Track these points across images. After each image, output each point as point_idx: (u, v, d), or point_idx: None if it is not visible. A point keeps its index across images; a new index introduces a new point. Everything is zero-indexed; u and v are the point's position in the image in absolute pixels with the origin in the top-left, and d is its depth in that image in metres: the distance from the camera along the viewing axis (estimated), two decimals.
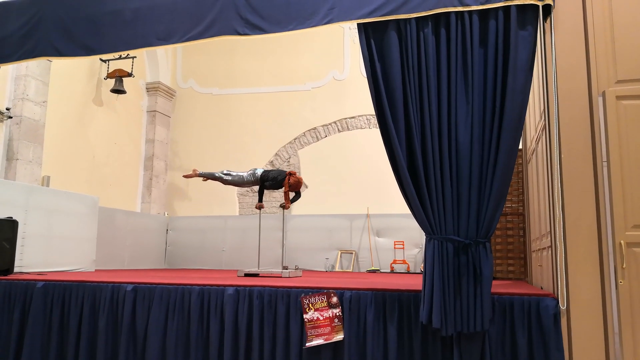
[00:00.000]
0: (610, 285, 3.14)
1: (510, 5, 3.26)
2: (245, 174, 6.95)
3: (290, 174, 6.61)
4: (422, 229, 3.35)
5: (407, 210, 3.47)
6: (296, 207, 10.25)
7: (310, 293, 3.68)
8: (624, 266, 3.09)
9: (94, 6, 4.19)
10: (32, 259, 6.41)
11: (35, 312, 4.28)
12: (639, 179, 3.15)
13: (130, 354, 4.00)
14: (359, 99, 10.00)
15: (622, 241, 3.12)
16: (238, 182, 7.02)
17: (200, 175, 7.24)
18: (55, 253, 6.85)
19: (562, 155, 3.29)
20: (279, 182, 6.66)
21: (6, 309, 4.42)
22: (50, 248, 6.79)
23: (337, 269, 9.49)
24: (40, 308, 4.30)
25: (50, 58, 4.36)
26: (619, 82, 3.28)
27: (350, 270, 9.37)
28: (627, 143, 3.19)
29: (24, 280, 4.51)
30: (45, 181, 7.99)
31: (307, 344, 3.58)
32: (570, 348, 3.13)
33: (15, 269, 5.75)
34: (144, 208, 10.60)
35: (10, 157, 7.44)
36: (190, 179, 7.60)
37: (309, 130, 10.70)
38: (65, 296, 4.29)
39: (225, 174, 7.07)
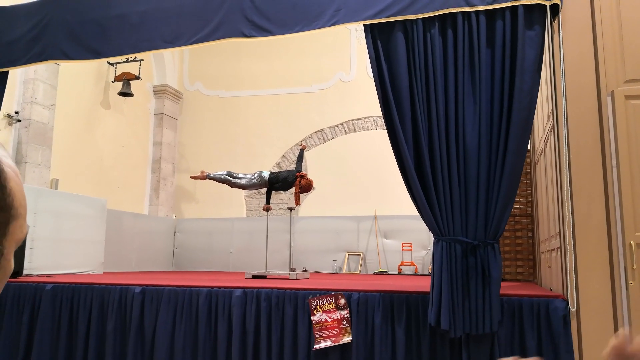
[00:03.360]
0: (621, 287, 3.11)
1: (517, 5, 3.24)
2: (251, 177, 6.95)
3: (302, 176, 6.61)
4: (430, 230, 3.34)
5: (415, 212, 3.46)
6: (303, 209, 10.25)
7: (317, 295, 3.68)
8: (634, 267, 3.06)
9: (101, 10, 4.22)
10: (41, 261, 6.44)
11: (44, 314, 4.30)
12: None
13: (139, 355, 4.01)
14: (366, 100, 9.98)
15: (632, 242, 3.09)
16: (245, 185, 7.02)
17: (207, 177, 7.23)
18: (64, 255, 6.88)
19: (571, 156, 3.26)
20: (290, 183, 6.66)
21: (15, 311, 4.44)
22: (59, 250, 6.82)
23: (344, 271, 9.47)
24: (49, 310, 4.32)
25: (58, 61, 4.40)
26: (627, 81, 3.26)
27: (358, 272, 9.35)
28: (637, 143, 3.16)
29: (33, 282, 4.54)
30: (54, 184, 8.04)
31: (315, 346, 3.57)
32: (580, 350, 3.10)
33: (25, 272, 5.78)
34: (152, 210, 10.63)
35: (19, 160, 7.49)
36: (197, 180, 7.59)
37: (315, 132, 10.69)
38: (73, 298, 4.31)
39: (230, 176, 7.05)
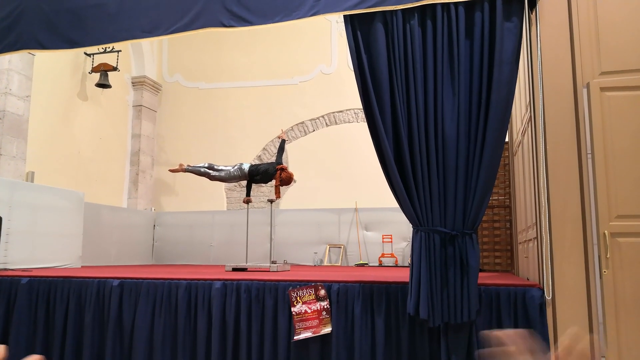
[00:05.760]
0: (595, 275, 3.18)
1: None
2: (231, 169, 6.89)
3: (282, 169, 6.58)
4: (409, 220, 3.36)
5: (395, 204, 3.47)
6: (284, 202, 10.23)
7: (298, 286, 3.68)
8: (608, 256, 3.13)
9: None
10: (16, 255, 6.33)
11: (20, 309, 4.23)
12: (623, 170, 3.18)
13: (117, 349, 3.97)
14: (347, 92, 9.98)
15: (606, 231, 3.15)
16: (225, 178, 6.97)
17: (186, 170, 7.16)
18: (41, 249, 6.77)
19: (548, 147, 3.31)
20: (270, 175, 6.63)
21: None
22: (36, 244, 6.71)
23: (325, 263, 9.49)
24: (25, 304, 4.25)
25: (33, 51, 4.30)
26: (603, 73, 3.31)
27: (339, 265, 9.38)
28: (611, 134, 3.22)
29: (8, 276, 4.46)
30: (30, 177, 7.88)
31: (295, 337, 3.58)
32: (556, 337, 3.16)
33: (0, 266, 5.68)
34: (131, 204, 10.51)
35: None
36: (176, 173, 7.50)
37: (296, 125, 10.67)
38: (50, 292, 4.24)
39: (210, 168, 7.00)
